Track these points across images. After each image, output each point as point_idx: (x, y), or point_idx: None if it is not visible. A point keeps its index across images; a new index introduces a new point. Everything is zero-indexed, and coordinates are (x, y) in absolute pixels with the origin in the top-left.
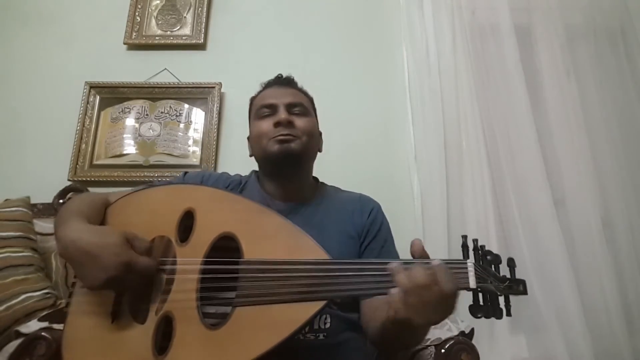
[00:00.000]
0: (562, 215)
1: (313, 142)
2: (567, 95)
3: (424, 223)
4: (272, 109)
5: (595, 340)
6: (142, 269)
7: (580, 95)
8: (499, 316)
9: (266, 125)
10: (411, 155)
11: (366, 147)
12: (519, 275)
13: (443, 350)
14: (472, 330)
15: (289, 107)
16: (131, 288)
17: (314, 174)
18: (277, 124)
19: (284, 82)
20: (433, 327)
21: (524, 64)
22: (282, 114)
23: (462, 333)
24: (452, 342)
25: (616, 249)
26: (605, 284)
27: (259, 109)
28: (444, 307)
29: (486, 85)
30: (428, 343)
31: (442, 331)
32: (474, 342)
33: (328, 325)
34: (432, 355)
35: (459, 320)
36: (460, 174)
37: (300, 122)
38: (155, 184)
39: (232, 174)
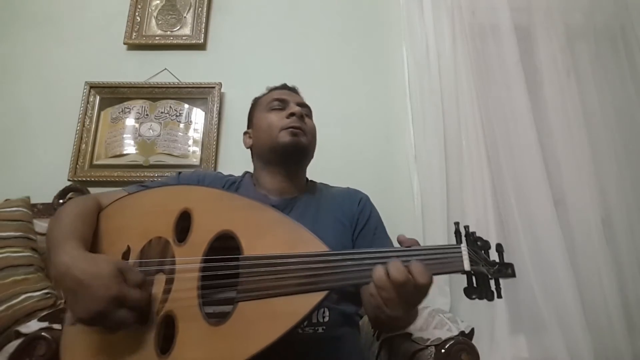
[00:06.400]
0: (562, 215)
1: (314, 144)
2: (567, 95)
3: (424, 223)
4: (284, 103)
5: (595, 340)
6: (132, 304)
7: (580, 95)
8: (490, 298)
9: (278, 116)
10: (411, 155)
11: (366, 147)
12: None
13: (443, 350)
14: (472, 330)
15: (300, 106)
16: (122, 325)
17: (312, 174)
18: (290, 115)
19: (290, 88)
20: (433, 327)
21: (524, 64)
22: (296, 108)
23: (462, 333)
24: (452, 342)
25: (616, 249)
26: (605, 284)
27: (270, 102)
28: (418, 296)
29: (486, 85)
30: (428, 343)
31: (442, 331)
32: (474, 342)
33: (327, 319)
34: (432, 355)
35: (459, 320)
36: (460, 174)
37: (308, 121)
38: (148, 185)
39: (233, 174)
